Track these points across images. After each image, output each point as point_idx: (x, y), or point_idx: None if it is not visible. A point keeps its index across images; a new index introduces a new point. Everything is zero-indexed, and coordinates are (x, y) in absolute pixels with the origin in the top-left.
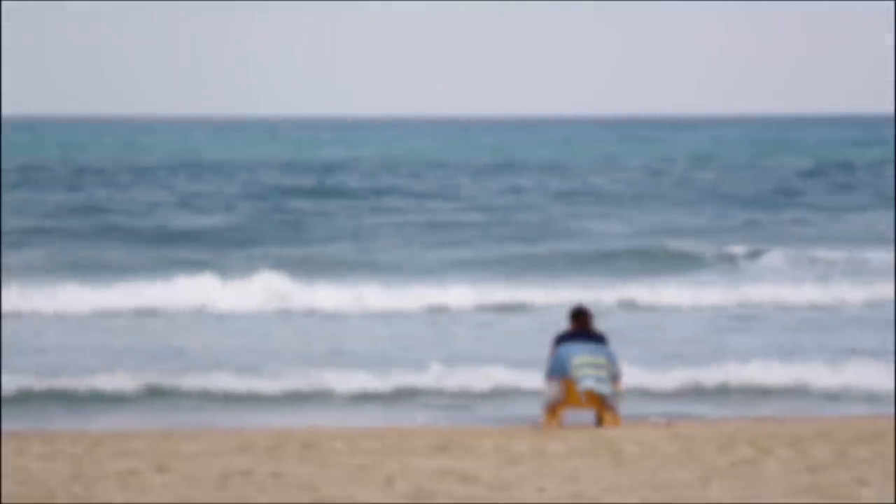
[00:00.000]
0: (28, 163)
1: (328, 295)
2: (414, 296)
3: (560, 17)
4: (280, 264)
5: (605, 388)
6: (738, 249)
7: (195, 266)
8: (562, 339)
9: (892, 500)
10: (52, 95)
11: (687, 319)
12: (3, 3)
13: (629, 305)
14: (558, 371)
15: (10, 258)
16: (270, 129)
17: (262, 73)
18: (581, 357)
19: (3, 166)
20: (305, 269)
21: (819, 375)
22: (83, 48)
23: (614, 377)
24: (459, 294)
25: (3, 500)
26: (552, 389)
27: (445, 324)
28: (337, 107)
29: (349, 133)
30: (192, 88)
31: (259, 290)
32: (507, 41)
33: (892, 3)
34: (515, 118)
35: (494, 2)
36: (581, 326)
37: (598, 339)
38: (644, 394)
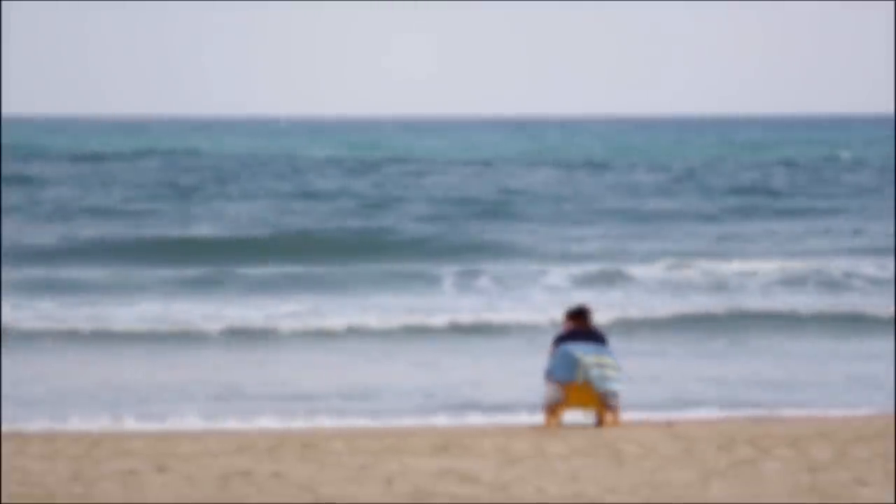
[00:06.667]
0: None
1: None
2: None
3: (562, 18)
4: None
5: (614, 386)
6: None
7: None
8: (561, 339)
9: (893, 500)
10: (50, 95)
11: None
12: (2, 2)
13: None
14: (557, 372)
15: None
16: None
17: (266, 73)
18: (584, 357)
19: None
20: None
21: None
22: (81, 48)
23: (620, 373)
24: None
25: (3, 500)
26: (551, 389)
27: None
28: (346, 107)
29: (323, 132)
30: (194, 88)
31: None
32: (508, 41)
33: (893, 2)
34: (517, 118)
35: (503, 2)
36: (581, 326)
37: (598, 338)
38: None
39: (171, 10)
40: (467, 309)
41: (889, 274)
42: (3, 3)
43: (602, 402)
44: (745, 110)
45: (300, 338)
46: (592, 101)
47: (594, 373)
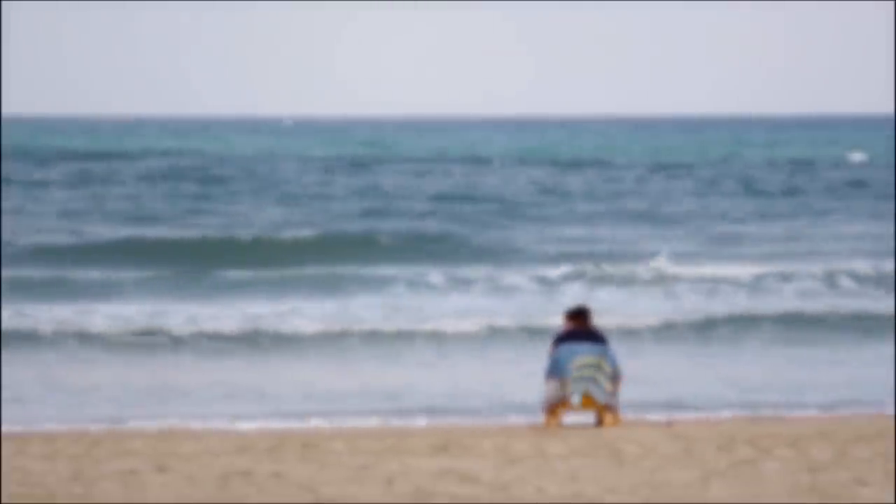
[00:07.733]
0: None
1: None
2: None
3: (563, 18)
4: None
5: (600, 393)
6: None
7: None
8: (561, 339)
9: (892, 500)
10: (50, 95)
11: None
12: (2, 2)
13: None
14: (557, 372)
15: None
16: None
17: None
18: (580, 358)
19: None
20: None
21: None
22: (81, 48)
23: (614, 378)
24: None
25: (3, 501)
26: (551, 389)
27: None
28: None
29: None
30: (190, 88)
31: None
32: (508, 41)
33: (892, 2)
34: (517, 118)
35: (504, 1)
36: (580, 325)
37: (597, 338)
38: None
39: (171, 10)
40: (467, 309)
41: (889, 274)
42: (3, 3)
43: (602, 403)
44: (745, 110)
45: (300, 338)
46: (592, 101)
47: (578, 375)
